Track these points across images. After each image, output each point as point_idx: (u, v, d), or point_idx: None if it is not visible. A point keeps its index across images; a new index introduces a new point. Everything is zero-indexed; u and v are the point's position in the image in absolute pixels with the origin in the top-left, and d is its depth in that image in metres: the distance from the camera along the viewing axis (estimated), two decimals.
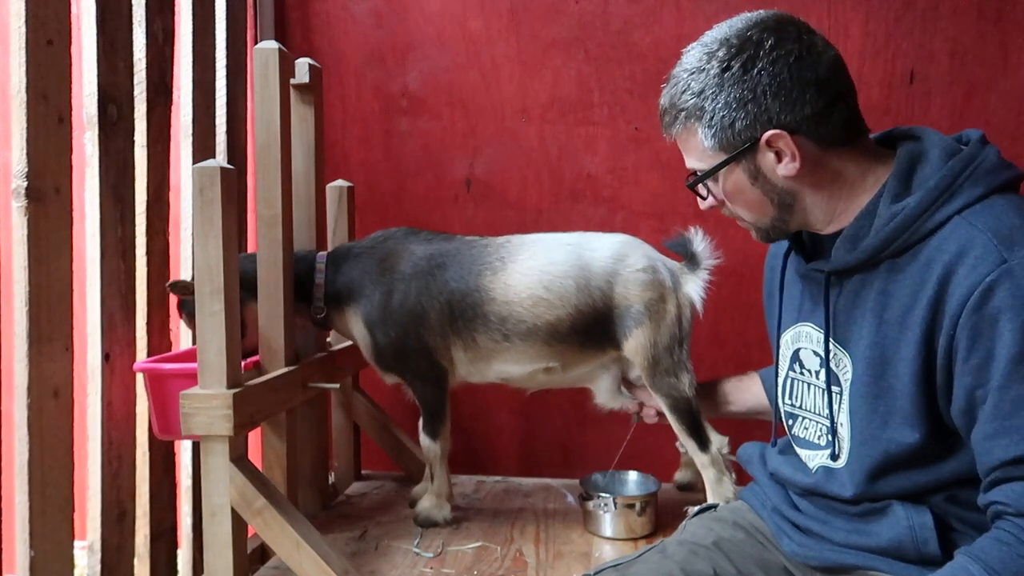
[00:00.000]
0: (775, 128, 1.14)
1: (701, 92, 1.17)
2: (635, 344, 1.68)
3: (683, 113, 1.20)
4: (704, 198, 1.28)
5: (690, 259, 1.71)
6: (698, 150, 1.22)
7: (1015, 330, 1.01)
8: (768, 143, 1.16)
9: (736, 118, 1.15)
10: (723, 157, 1.20)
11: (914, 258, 1.12)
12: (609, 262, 1.71)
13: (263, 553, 1.90)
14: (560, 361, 1.74)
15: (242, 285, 1.54)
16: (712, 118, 1.17)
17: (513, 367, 1.76)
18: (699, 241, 1.70)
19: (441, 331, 1.74)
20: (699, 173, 1.24)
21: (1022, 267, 1.02)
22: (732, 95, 1.15)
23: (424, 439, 1.81)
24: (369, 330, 1.77)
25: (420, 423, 1.82)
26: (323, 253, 1.84)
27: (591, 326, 1.70)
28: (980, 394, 1.05)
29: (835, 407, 1.25)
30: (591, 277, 1.70)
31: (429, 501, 1.85)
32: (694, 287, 1.69)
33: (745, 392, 1.69)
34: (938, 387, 1.11)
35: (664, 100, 1.24)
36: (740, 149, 1.18)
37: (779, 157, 1.17)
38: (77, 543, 1.43)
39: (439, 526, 1.83)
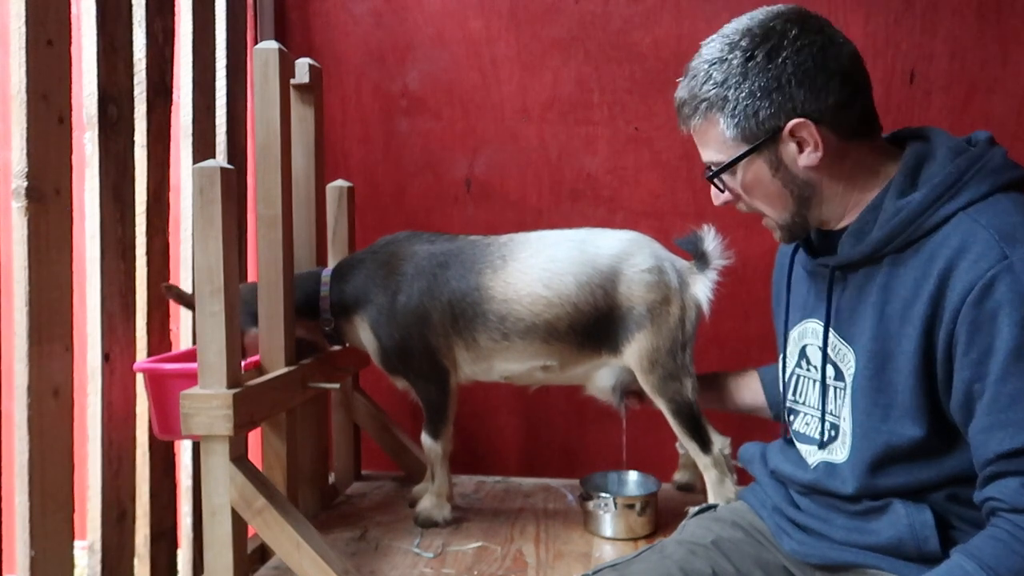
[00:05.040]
0: (799, 117, 1.14)
1: (724, 82, 1.16)
2: (636, 347, 1.66)
3: (704, 104, 1.19)
4: (721, 191, 1.26)
5: (700, 258, 1.67)
6: (718, 141, 1.21)
7: (1014, 325, 1.01)
8: (791, 132, 1.16)
9: (760, 107, 1.15)
10: (744, 148, 1.19)
11: (916, 253, 1.13)
12: (613, 261, 1.68)
13: (263, 553, 1.90)
14: (558, 360, 1.73)
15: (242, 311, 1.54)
16: (735, 107, 1.16)
17: (513, 365, 1.75)
18: (710, 240, 1.66)
19: (443, 331, 1.74)
20: (717, 166, 1.23)
21: (1023, 263, 1.02)
22: (756, 84, 1.14)
23: (426, 439, 1.81)
24: (375, 333, 1.77)
25: (424, 423, 1.82)
26: (329, 268, 1.84)
27: (591, 326, 1.68)
28: (978, 388, 1.05)
29: (831, 401, 1.25)
30: (593, 276, 1.67)
31: (429, 501, 1.84)
32: (702, 288, 1.65)
33: (744, 389, 1.69)
34: (938, 381, 1.11)
35: (682, 92, 1.22)
36: (763, 139, 1.17)
37: (801, 147, 1.17)
38: (77, 543, 1.43)
39: (439, 526, 1.83)
